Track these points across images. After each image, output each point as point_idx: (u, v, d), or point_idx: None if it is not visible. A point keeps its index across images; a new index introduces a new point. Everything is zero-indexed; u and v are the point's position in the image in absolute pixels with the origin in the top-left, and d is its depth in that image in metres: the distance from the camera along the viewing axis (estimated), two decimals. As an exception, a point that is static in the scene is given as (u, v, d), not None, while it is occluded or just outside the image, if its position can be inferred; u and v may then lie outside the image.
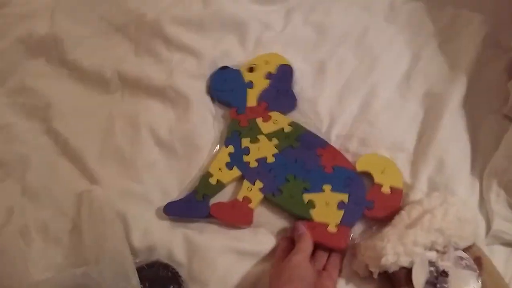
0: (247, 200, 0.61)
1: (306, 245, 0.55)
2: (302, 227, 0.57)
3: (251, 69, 0.72)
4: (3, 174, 0.65)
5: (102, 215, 0.56)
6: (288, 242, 0.57)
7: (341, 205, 0.59)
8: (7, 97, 0.72)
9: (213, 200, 0.62)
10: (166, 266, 0.56)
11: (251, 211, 0.61)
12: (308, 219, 0.59)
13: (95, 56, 0.73)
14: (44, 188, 0.62)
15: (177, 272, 0.56)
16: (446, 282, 0.49)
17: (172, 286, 0.54)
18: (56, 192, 0.62)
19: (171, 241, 0.59)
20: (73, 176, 0.64)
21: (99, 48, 0.75)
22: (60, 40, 0.73)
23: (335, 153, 0.64)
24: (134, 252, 0.57)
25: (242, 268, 0.57)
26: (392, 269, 0.51)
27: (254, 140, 0.66)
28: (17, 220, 0.59)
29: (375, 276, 0.52)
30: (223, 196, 0.63)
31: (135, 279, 0.52)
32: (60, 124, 0.68)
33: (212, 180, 0.63)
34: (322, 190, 0.61)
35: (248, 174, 0.63)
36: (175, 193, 0.63)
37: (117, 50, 0.75)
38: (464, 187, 0.59)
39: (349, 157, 0.63)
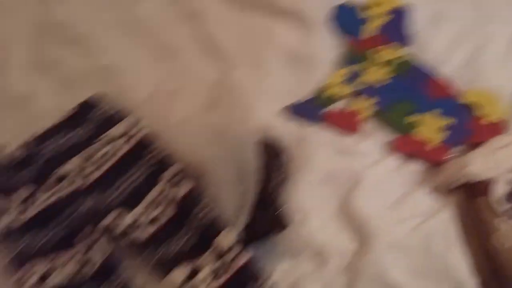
0: (357, 112, 0.71)
1: None
2: None
3: (371, 7, 0.81)
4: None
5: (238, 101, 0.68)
6: None
7: (442, 128, 0.68)
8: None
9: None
10: (274, 144, 0.68)
11: (358, 122, 0.71)
12: (409, 136, 0.68)
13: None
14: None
15: (282, 147, 0.68)
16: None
17: (281, 158, 0.67)
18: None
19: (283, 128, 0.71)
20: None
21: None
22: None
23: (442, 84, 0.72)
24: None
25: (338, 164, 0.68)
26: (476, 178, 0.59)
27: (369, 65, 0.76)
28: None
29: (454, 186, 0.61)
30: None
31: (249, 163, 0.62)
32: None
33: (329, 92, 0.74)
34: (426, 114, 0.70)
35: (360, 92, 0.73)
36: (292, 99, 0.74)
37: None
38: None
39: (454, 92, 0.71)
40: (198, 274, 0.59)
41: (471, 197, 0.60)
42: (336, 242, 0.63)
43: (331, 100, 0.73)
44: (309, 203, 0.65)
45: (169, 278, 0.59)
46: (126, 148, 0.68)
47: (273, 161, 0.67)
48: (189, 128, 0.64)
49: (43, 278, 0.60)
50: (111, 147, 0.68)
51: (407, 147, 0.67)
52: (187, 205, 0.63)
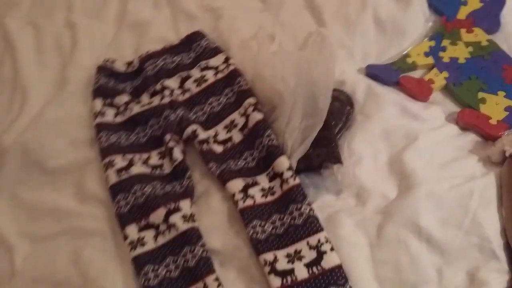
0: (431, 81, 0.78)
1: None
2: None
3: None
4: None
5: (326, 49, 0.78)
6: None
7: (507, 108, 0.73)
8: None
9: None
10: (345, 94, 0.77)
11: (431, 90, 0.77)
12: (475, 110, 0.73)
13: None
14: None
15: (351, 98, 0.76)
16: None
17: (348, 107, 0.75)
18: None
19: (357, 83, 0.79)
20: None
21: None
22: None
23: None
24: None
25: (399, 122, 0.75)
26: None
27: (453, 43, 0.81)
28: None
29: (507, 154, 0.65)
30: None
31: (322, 102, 0.72)
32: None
33: (409, 60, 0.81)
34: (496, 94, 0.74)
35: (439, 65, 0.79)
36: (372, 59, 0.83)
37: None
38: None
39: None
40: (253, 187, 0.70)
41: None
42: (379, 187, 0.70)
43: (410, 67, 0.80)
44: (364, 151, 0.73)
45: (228, 186, 0.70)
46: (216, 77, 0.81)
47: (341, 108, 0.76)
48: (278, 61, 0.75)
49: (126, 168, 0.72)
50: (204, 74, 0.82)
51: (471, 118, 0.72)
52: (254, 133, 0.74)
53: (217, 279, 0.63)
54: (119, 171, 0.72)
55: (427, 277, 0.62)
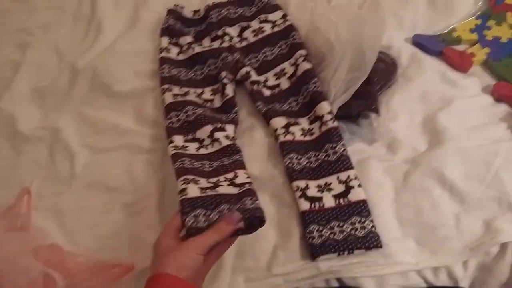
0: (472, 55, 0.83)
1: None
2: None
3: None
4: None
5: (379, 13, 0.83)
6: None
7: (540, 86, 0.77)
8: None
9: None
10: (391, 57, 0.83)
11: (471, 62, 0.82)
12: (510, 84, 0.78)
13: None
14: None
15: (396, 61, 0.82)
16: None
17: (392, 68, 0.81)
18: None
19: (403, 50, 0.85)
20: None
21: None
22: None
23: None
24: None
25: (438, 88, 0.80)
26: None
27: (498, 24, 0.86)
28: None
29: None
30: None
31: (368, 57, 0.78)
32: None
33: (455, 34, 0.86)
34: (531, 72, 0.79)
35: (482, 41, 0.84)
36: (420, 31, 0.88)
37: None
38: None
39: None
40: (295, 126, 0.77)
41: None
42: (411, 141, 0.75)
43: (455, 40, 0.85)
44: (401, 109, 0.79)
45: (271, 122, 0.77)
46: (273, 30, 0.89)
47: (385, 69, 0.82)
48: (333, 14, 0.81)
49: (181, 95, 0.80)
50: (262, 26, 0.89)
51: (506, 90, 0.77)
52: (301, 81, 0.80)
53: (246, 174, 0.70)
54: (175, 95, 0.81)
55: (445, 221, 0.67)
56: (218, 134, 0.75)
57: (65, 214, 0.75)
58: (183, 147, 0.74)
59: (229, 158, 0.73)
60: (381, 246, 0.65)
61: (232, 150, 0.74)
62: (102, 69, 0.89)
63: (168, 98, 0.80)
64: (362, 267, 0.66)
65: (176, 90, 0.82)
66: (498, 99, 0.78)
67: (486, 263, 0.65)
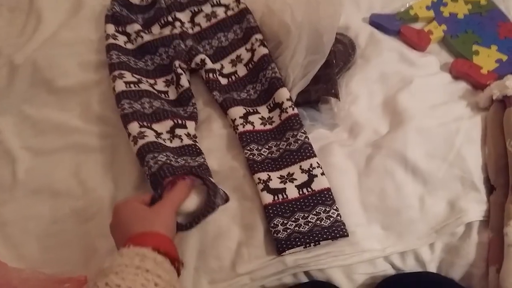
0: (430, 32, 0.81)
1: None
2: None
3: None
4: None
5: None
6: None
7: (498, 61, 0.77)
8: None
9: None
10: (348, 38, 0.81)
11: (429, 40, 0.81)
12: (468, 61, 0.77)
13: None
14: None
15: (354, 43, 0.80)
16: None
17: (350, 50, 0.79)
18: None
19: (361, 30, 0.83)
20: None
21: None
22: None
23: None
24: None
25: (396, 68, 0.78)
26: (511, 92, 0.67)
27: (454, 0, 0.84)
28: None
29: (495, 97, 0.69)
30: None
31: (326, 39, 0.75)
32: None
33: (411, 12, 0.84)
34: (489, 47, 0.78)
35: (439, 18, 0.83)
36: (377, 10, 0.86)
37: None
38: None
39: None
40: (253, 115, 0.73)
41: (502, 108, 0.68)
42: (372, 123, 0.73)
43: (412, 18, 0.84)
44: (361, 91, 0.77)
45: (229, 112, 0.73)
46: (227, 14, 0.84)
47: (343, 51, 0.80)
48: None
49: (135, 82, 0.74)
50: (215, 10, 0.85)
51: (464, 67, 0.76)
52: (259, 67, 0.77)
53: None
54: (128, 83, 0.74)
55: (409, 204, 0.66)
56: (180, 131, 0.71)
57: (9, 225, 0.69)
58: (140, 134, 0.68)
59: (194, 160, 0.68)
60: (347, 235, 0.63)
61: (194, 150, 0.70)
62: (43, 62, 0.82)
63: (120, 85, 0.73)
64: (330, 258, 0.63)
65: (129, 76, 0.76)
66: (457, 76, 0.77)
67: (453, 244, 0.65)
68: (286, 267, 0.63)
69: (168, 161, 0.64)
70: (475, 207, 0.65)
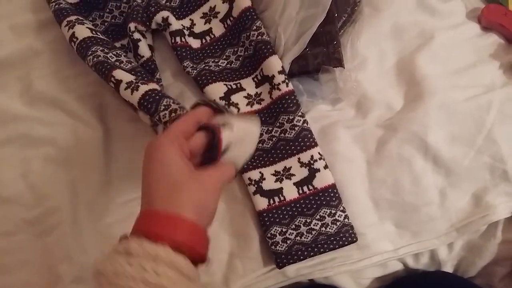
0: (455, -33, 0.64)
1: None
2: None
3: None
4: None
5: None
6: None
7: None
8: None
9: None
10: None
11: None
12: (502, 6, 0.62)
13: None
14: None
15: None
16: None
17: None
18: None
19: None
20: None
21: None
22: None
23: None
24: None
25: (414, 18, 0.63)
26: None
27: None
28: None
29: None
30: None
31: None
32: None
33: None
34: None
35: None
36: None
37: None
38: None
39: None
40: (237, 93, 0.59)
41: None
42: (384, 96, 0.60)
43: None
44: (370, 51, 0.62)
45: (207, 91, 0.59)
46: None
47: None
48: None
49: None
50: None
51: (497, 15, 0.60)
52: (240, 24, 0.61)
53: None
54: (93, 30, 0.59)
55: (428, 199, 0.56)
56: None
57: None
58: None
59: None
60: (356, 240, 0.54)
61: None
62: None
63: (82, 31, 0.57)
64: (336, 264, 0.55)
65: (88, 23, 0.60)
66: (488, 27, 0.62)
67: (474, 241, 0.57)
68: (287, 278, 0.55)
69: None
70: (505, 202, 0.55)
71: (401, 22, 0.63)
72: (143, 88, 0.52)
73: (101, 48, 0.57)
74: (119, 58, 0.57)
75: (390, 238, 0.56)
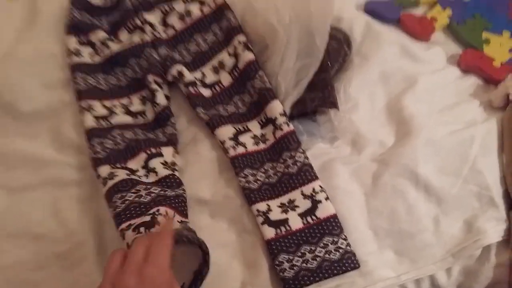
0: (433, 19, 0.72)
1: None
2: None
3: None
4: None
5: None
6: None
7: (510, 50, 0.68)
8: None
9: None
10: (343, 33, 0.72)
11: (433, 28, 0.72)
12: (479, 51, 0.69)
13: None
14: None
15: (349, 37, 0.71)
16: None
17: (345, 47, 0.70)
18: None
19: (356, 20, 0.74)
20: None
21: None
22: None
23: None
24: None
25: (398, 64, 0.70)
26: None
27: (458, -21, 0.75)
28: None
29: (505, 101, 0.63)
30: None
31: (319, 40, 0.66)
32: None
33: (411, -4, 0.75)
34: (500, 34, 0.70)
35: (442, 1, 0.74)
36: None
37: None
38: None
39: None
40: (244, 134, 0.66)
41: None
42: (376, 134, 0.66)
43: (412, 3, 0.75)
44: (361, 95, 0.69)
45: (217, 133, 0.65)
46: (203, 12, 0.74)
47: (338, 48, 0.71)
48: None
49: (105, 117, 0.67)
50: (188, 8, 0.74)
51: (474, 59, 0.68)
52: (245, 75, 0.68)
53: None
54: (98, 118, 0.67)
55: (423, 227, 0.60)
56: (154, 163, 0.63)
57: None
58: (111, 175, 0.61)
59: (171, 190, 0.62)
60: (358, 266, 0.58)
61: (172, 182, 0.62)
62: (1, 85, 0.72)
63: (89, 121, 0.66)
64: (340, 291, 0.59)
65: (98, 108, 0.68)
66: (466, 70, 0.70)
67: (470, 266, 0.60)
68: (295, 303, 0.59)
69: (137, 199, 0.58)
70: (494, 225, 0.60)
71: (388, 69, 0.70)
72: (109, 184, 0.59)
73: (98, 141, 0.64)
74: (115, 140, 0.65)
75: (390, 265, 0.60)
